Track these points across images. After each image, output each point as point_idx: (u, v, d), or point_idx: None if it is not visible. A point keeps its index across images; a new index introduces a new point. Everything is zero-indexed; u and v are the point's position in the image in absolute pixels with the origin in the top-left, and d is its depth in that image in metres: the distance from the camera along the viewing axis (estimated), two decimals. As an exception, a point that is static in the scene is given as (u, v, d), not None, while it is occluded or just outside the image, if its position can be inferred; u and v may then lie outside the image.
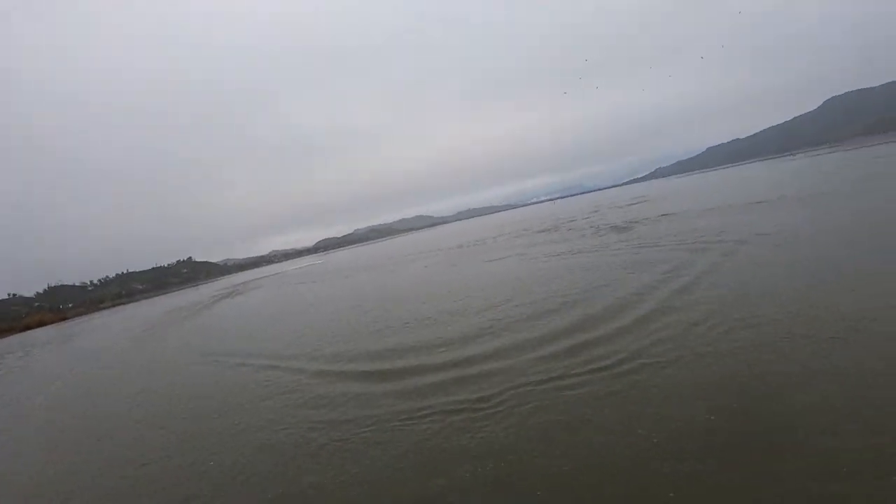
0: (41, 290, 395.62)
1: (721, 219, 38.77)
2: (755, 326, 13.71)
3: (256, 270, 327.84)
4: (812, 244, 23.13)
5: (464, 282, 34.07)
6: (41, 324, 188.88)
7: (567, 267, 30.23)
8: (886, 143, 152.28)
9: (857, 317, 12.80)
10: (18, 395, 29.43)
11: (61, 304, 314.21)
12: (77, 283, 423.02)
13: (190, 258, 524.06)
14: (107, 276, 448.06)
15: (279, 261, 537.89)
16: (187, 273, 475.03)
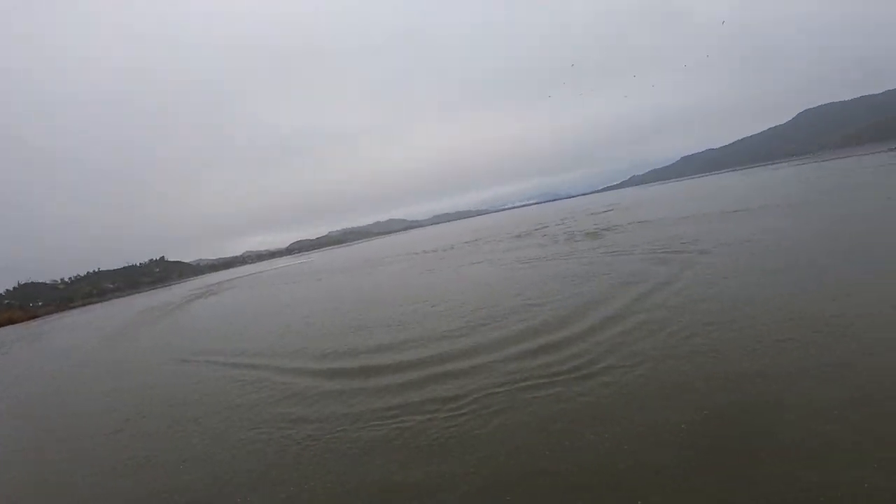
0: (11, 288, 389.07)
1: (695, 227, 39.25)
2: (721, 331, 14.02)
3: (230, 271, 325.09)
4: (782, 252, 23.70)
5: (436, 287, 34.18)
6: (10, 321, 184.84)
7: (538, 273, 30.58)
8: (858, 155, 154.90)
9: (835, 321, 13.19)
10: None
11: (31, 303, 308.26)
12: (48, 282, 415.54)
13: (162, 257, 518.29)
14: (77, 275, 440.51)
15: (253, 262, 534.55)
16: (159, 273, 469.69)
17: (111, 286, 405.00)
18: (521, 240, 63.23)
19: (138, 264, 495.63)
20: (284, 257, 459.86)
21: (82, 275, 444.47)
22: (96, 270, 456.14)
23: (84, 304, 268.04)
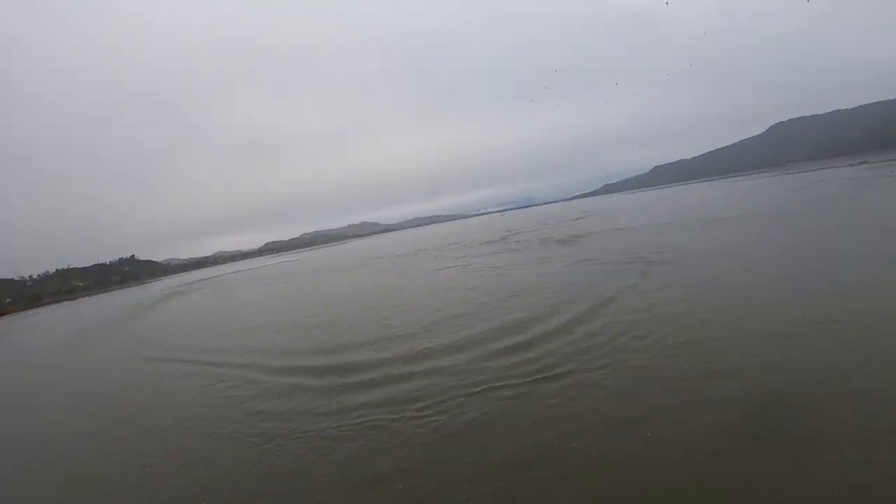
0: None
1: (662, 236, 39.81)
2: (677, 341, 14.89)
3: (202, 271, 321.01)
4: (747, 261, 24.47)
5: (405, 291, 35.28)
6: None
7: (508, 279, 31.07)
8: (827, 168, 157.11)
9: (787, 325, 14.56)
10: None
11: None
12: (16, 278, 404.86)
13: (133, 256, 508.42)
14: (46, 271, 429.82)
15: (224, 262, 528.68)
16: (129, 272, 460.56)
17: (80, 284, 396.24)
18: (493, 245, 63.60)
19: (108, 262, 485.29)
20: (257, 258, 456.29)
21: (51, 272, 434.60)
22: (65, 268, 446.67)
23: (53, 302, 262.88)
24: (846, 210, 38.56)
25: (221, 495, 10.48)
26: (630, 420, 10.72)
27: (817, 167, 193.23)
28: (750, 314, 16.49)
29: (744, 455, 8.76)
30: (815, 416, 9.62)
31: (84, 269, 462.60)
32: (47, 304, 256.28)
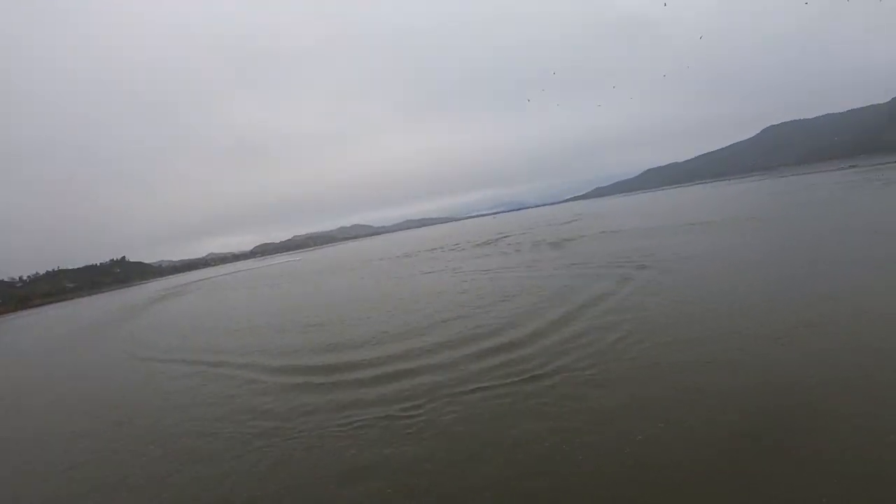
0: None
1: (652, 239, 39.85)
2: (664, 345, 14.90)
3: (194, 273, 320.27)
4: (726, 266, 24.59)
5: (395, 294, 34.99)
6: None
7: (498, 284, 31.14)
8: (817, 172, 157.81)
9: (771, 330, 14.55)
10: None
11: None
12: (6, 279, 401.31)
13: (124, 258, 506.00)
14: (37, 273, 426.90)
15: (216, 264, 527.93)
16: (120, 273, 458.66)
17: (71, 286, 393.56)
18: (484, 248, 63.59)
19: (98, 264, 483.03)
20: (249, 260, 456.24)
21: (41, 273, 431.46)
22: (56, 269, 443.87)
23: (43, 304, 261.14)
24: (837, 214, 38.80)
25: (221, 495, 10.56)
26: (621, 420, 10.81)
27: (807, 171, 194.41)
28: (742, 316, 16.57)
29: (742, 456, 8.84)
30: (814, 416, 9.72)
31: (75, 270, 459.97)
32: (37, 305, 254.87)
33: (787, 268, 22.70)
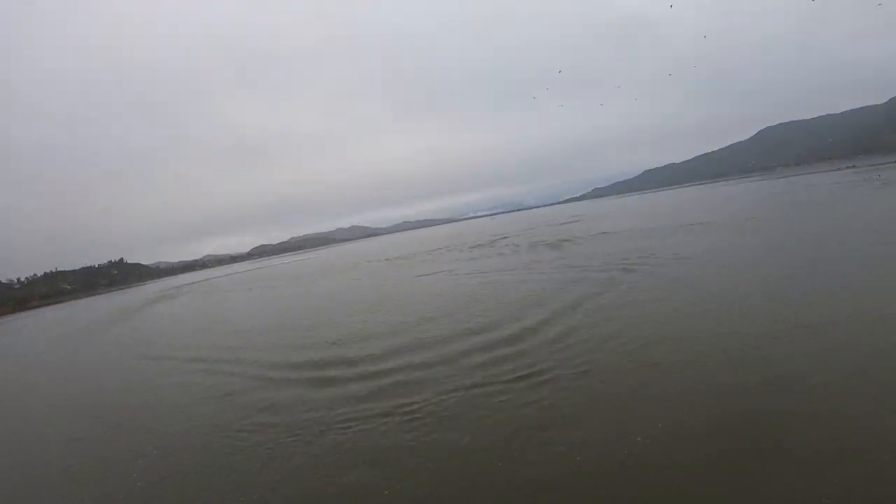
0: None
1: (649, 240, 39.78)
2: (664, 345, 14.86)
3: (191, 275, 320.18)
4: (727, 268, 24.51)
5: (391, 298, 34.55)
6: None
7: (495, 286, 31.05)
8: (814, 172, 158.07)
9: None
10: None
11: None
12: (4, 280, 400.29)
13: (121, 259, 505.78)
14: (35, 274, 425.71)
15: (214, 265, 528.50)
16: (118, 275, 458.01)
17: (68, 287, 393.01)
18: (482, 249, 63.52)
19: (96, 266, 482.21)
20: (246, 262, 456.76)
21: (39, 275, 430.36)
22: (53, 271, 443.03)
23: (41, 305, 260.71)
24: (837, 214, 38.77)
25: (222, 495, 10.53)
26: (621, 421, 10.76)
27: (806, 171, 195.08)
28: (742, 316, 16.53)
29: (742, 456, 8.78)
30: (814, 417, 9.64)
31: (72, 272, 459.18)
32: (35, 307, 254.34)
33: (786, 268, 22.68)
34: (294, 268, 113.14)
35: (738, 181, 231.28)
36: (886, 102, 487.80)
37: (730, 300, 18.52)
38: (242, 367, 21.34)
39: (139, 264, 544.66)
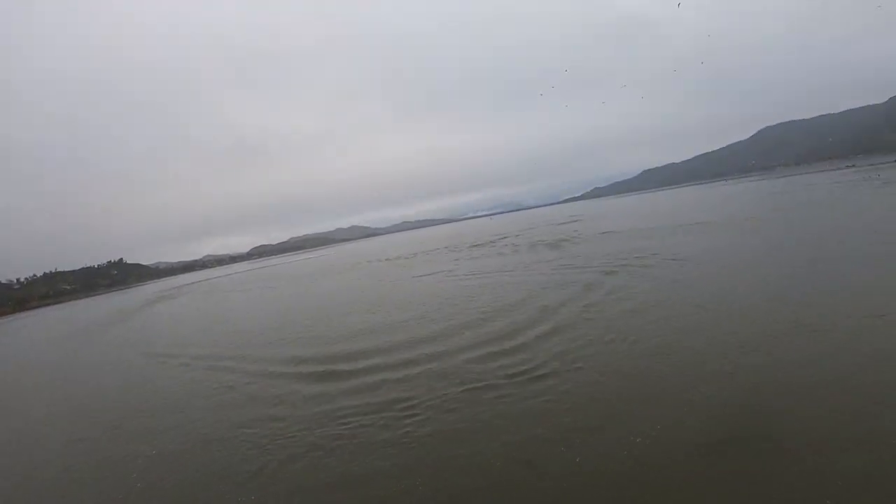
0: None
1: (649, 241, 39.84)
2: (664, 344, 14.86)
3: (191, 275, 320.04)
4: (730, 267, 24.51)
5: (389, 298, 34.45)
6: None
7: (493, 286, 30.86)
8: (814, 172, 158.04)
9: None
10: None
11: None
12: (3, 281, 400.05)
13: (121, 259, 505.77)
14: (34, 274, 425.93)
15: (213, 266, 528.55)
16: (117, 275, 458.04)
17: (68, 288, 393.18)
18: (481, 249, 63.50)
19: (96, 266, 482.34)
20: (245, 262, 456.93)
21: (39, 275, 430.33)
22: (53, 271, 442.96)
23: (40, 306, 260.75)
24: (837, 213, 38.70)
25: (221, 494, 10.55)
26: (620, 421, 10.73)
27: (806, 171, 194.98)
28: (742, 316, 16.47)
29: (743, 456, 8.77)
30: (815, 417, 9.58)
31: (72, 272, 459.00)
32: (35, 307, 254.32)
33: (786, 267, 22.62)
34: (293, 268, 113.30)
35: (737, 181, 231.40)
36: (886, 102, 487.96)
37: (729, 300, 18.43)
38: (241, 366, 21.44)
39: (139, 264, 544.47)
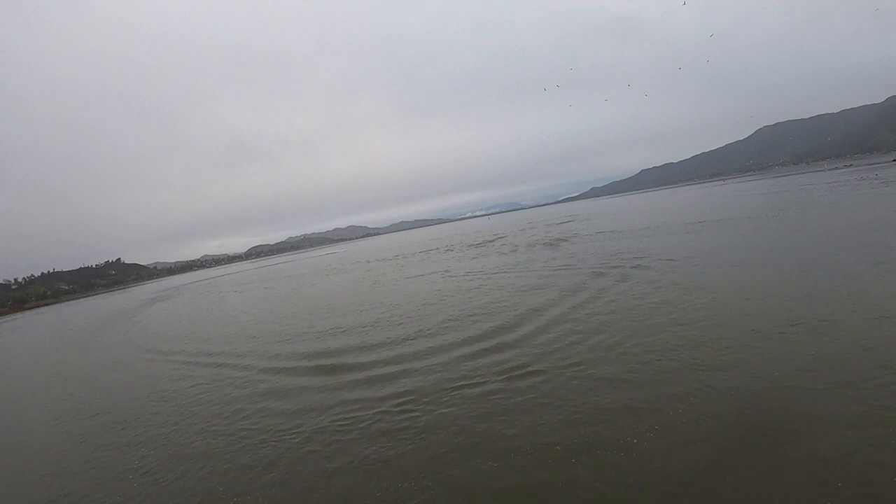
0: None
1: (647, 240, 39.92)
2: (664, 344, 14.77)
3: (188, 275, 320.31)
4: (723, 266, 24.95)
5: (385, 297, 34.47)
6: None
7: (491, 288, 30.93)
8: (811, 172, 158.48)
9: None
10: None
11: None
12: (1, 281, 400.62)
13: (119, 259, 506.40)
14: (32, 275, 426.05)
15: (211, 266, 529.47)
16: (115, 275, 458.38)
17: (66, 288, 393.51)
18: (479, 249, 63.59)
19: (94, 266, 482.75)
20: (243, 262, 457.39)
21: (36, 275, 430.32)
22: (50, 271, 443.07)
23: (38, 306, 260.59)
24: (838, 213, 38.69)
25: (220, 494, 10.56)
26: (619, 421, 10.64)
27: (803, 171, 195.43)
28: (742, 316, 16.34)
29: (742, 457, 8.69)
30: (817, 418, 9.52)
31: (69, 272, 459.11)
32: (32, 307, 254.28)
33: (785, 267, 22.44)
34: (291, 268, 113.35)
35: (735, 181, 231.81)
36: (883, 102, 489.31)
37: (730, 300, 18.39)
38: (238, 366, 21.55)
39: (137, 265, 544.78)
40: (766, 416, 9.77)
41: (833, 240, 26.93)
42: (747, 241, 31.73)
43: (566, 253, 41.36)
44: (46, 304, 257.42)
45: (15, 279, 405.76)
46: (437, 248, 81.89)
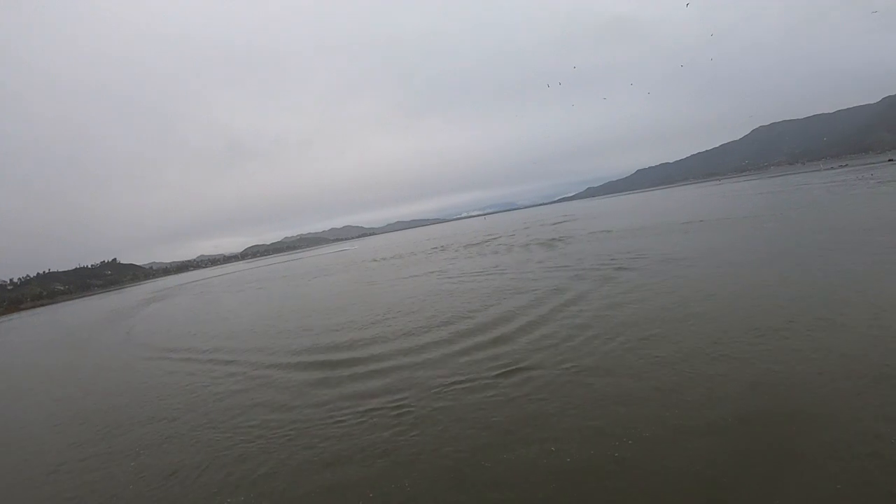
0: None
1: (644, 240, 40.00)
2: (664, 345, 14.64)
3: (184, 275, 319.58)
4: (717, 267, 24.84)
5: (380, 298, 34.35)
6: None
7: (489, 288, 30.70)
8: (807, 171, 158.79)
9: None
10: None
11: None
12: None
13: (115, 259, 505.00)
14: (27, 275, 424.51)
15: (207, 266, 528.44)
16: (111, 275, 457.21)
17: (61, 288, 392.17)
18: (475, 248, 63.67)
19: (90, 266, 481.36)
20: (239, 262, 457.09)
21: (32, 275, 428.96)
22: (46, 272, 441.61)
23: (34, 306, 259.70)
24: (829, 213, 38.68)
25: (219, 493, 10.52)
26: (620, 421, 10.56)
27: (799, 171, 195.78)
28: (742, 316, 16.30)
29: (740, 458, 8.64)
30: (818, 418, 9.46)
31: (65, 272, 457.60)
32: (28, 308, 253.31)
33: (783, 267, 22.35)
34: (286, 268, 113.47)
35: (731, 181, 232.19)
36: (879, 102, 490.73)
37: (729, 300, 18.35)
38: (235, 364, 21.73)
39: (133, 265, 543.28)
40: (765, 413, 9.75)
41: (830, 239, 26.89)
42: (747, 241, 31.59)
43: (562, 253, 41.34)
44: (42, 305, 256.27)
45: (10, 279, 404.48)
46: (433, 249, 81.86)
